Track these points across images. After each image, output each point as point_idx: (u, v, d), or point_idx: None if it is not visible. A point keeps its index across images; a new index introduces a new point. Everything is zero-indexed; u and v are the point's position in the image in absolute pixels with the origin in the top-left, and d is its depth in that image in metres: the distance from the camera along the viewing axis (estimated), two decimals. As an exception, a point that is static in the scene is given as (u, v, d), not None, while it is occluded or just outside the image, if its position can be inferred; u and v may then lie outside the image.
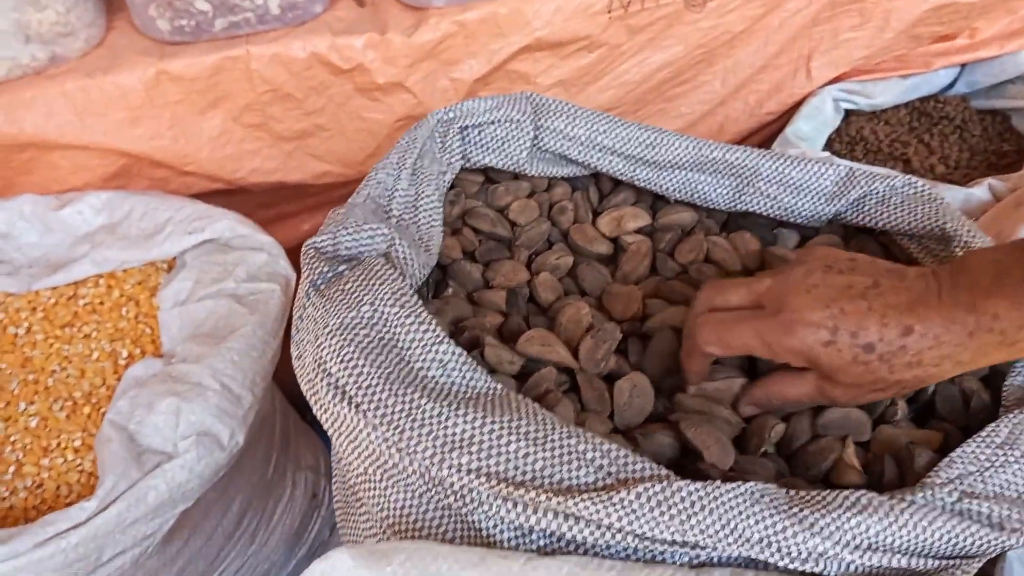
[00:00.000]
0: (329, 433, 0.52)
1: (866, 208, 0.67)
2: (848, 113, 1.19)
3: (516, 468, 0.45)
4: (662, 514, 0.43)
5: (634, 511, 0.43)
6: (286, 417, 1.01)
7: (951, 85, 1.24)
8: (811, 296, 0.48)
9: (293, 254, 0.81)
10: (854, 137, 1.15)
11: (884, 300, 0.47)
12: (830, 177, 0.68)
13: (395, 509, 0.50)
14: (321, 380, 0.50)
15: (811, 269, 0.50)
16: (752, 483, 0.45)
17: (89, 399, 0.81)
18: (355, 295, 0.52)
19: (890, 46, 1.12)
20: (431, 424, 0.47)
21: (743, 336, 0.50)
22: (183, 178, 0.94)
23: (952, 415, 0.56)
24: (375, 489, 0.51)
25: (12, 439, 0.77)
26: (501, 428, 0.46)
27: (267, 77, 0.87)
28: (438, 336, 0.50)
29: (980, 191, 0.93)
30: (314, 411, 0.52)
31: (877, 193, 0.67)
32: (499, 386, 0.50)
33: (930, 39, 1.15)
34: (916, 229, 0.64)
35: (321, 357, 0.50)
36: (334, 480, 0.66)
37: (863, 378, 0.47)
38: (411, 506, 0.49)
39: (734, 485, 0.45)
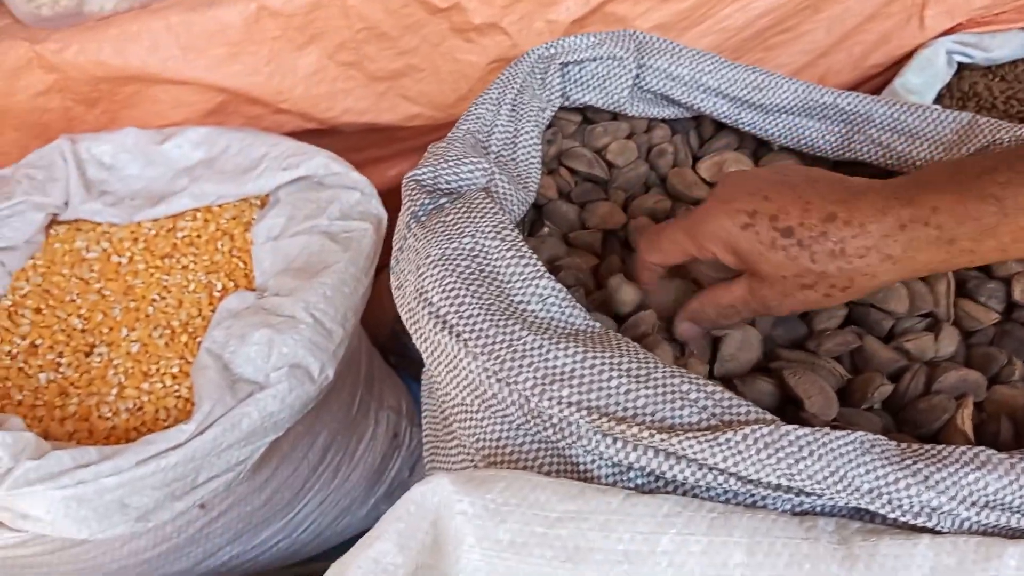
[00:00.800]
0: (428, 361, 0.52)
1: (990, 159, 0.63)
2: (961, 67, 1.12)
3: (617, 404, 0.45)
4: (769, 456, 0.42)
5: (740, 452, 0.42)
6: (371, 357, 1.03)
7: (1079, 39, 1.15)
8: (738, 186, 0.46)
9: (382, 197, 0.81)
10: (967, 93, 1.09)
11: (815, 190, 0.44)
12: (950, 125, 0.64)
13: (491, 440, 0.50)
14: (423, 309, 0.50)
15: (757, 171, 0.49)
16: (863, 432, 0.43)
17: (186, 328, 0.83)
18: (456, 227, 0.52)
19: (1014, -6, 1.05)
20: (532, 356, 0.46)
21: (673, 236, 0.49)
22: (276, 116, 0.95)
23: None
24: (471, 420, 0.51)
25: (115, 363, 0.80)
26: (603, 363, 0.46)
27: (364, 14, 0.87)
28: (539, 271, 0.50)
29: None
30: (414, 340, 0.53)
31: (1002, 144, 0.63)
32: (598, 324, 0.49)
33: (1060, -13, 1.07)
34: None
35: (423, 287, 0.50)
36: (423, 412, 0.66)
37: (785, 268, 0.44)
38: (507, 438, 0.49)
39: (844, 433, 0.43)
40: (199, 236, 0.89)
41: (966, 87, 1.09)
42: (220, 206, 0.90)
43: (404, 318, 0.53)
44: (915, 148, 0.65)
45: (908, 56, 1.07)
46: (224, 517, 0.84)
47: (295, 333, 0.75)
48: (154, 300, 0.84)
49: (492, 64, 0.94)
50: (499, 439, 0.50)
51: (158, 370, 0.80)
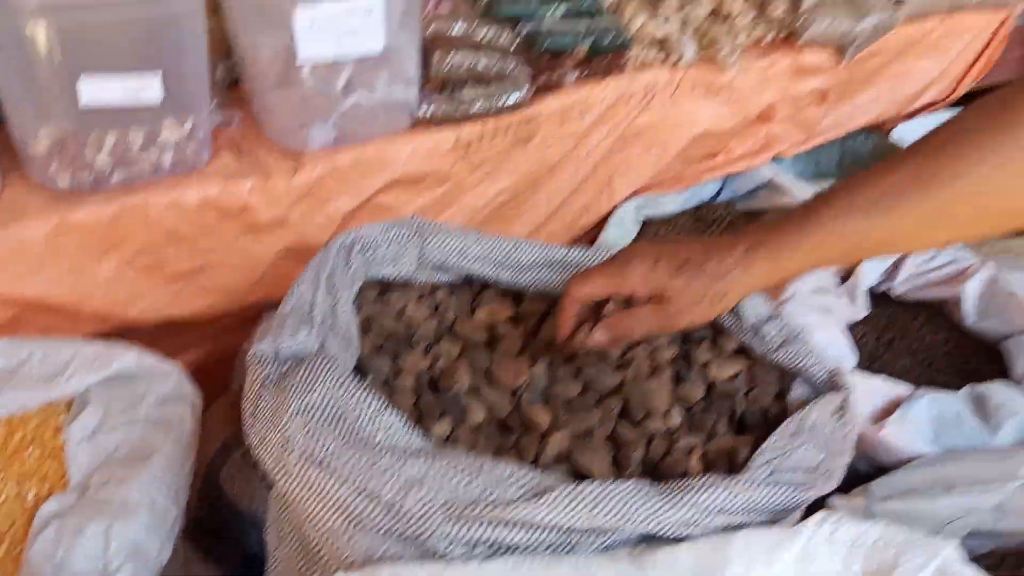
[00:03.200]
0: (297, 499, 0.62)
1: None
2: (645, 222, 1.46)
3: (461, 494, 0.59)
4: (575, 508, 0.59)
5: (554, 507, 0.58)
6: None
7: (718, 194, 1.56)
8: (646, 246, 0.72)
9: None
10: (652, 240, 1.42)
11: (698, 241, 0.71)
12: (646, 264, 0.90)
13: (361, 552, 0.61)
14: (289, 454, 0.61)
15: (654, 239, 0.75)
16: (634, 480, 0.62)
17: (1, 542, 0.83)
18: (307, 384, 0.64)
19: (670, 166, 1.42)
20: (390, 471, 0.59)
21: (599, 278, 0.72)
22: (75, 323, 1.00)
23: (758, 425, 0.77)
24: (341, 539, 0.62)
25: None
26: (445, 468, 0.60)
27: (163, 222, 0.97)
28: (381, 407, 0.64)
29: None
30: (280, 485, 0.63)
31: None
32: (430, 442, 0.64)
33: (699, 158, 1.46)
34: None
35: (287, 436, 0.62)
36: (273, 565, 0.75)
37: (683, 289, 0.68)
38: (376, 546, 0.61)
39: (623, 482, 0.61)
40: (5, 447, 0.89)
41: (651, 236, 1.42)
42: (24, 414, 0.92)
43: (269, 468, 0.64)
44: (626, 283, 0.89)
45: (606, 217, 1.38)
46: None
47: (132, 518, 0.80)
48: (-39, 517, 0.83)
49: (280, 253, 1.08)
50: (367, 549, 0.61)
51: (-26, 590, 0.79)
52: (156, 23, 0.88)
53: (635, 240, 1.41)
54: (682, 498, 0.61)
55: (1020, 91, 0.63)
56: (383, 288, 0.88)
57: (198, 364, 1.13)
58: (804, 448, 0.69)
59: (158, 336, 1.07)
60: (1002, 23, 1.67)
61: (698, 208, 1.53)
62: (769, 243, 0.68)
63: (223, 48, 1.08)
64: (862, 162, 1.81)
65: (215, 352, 1.18)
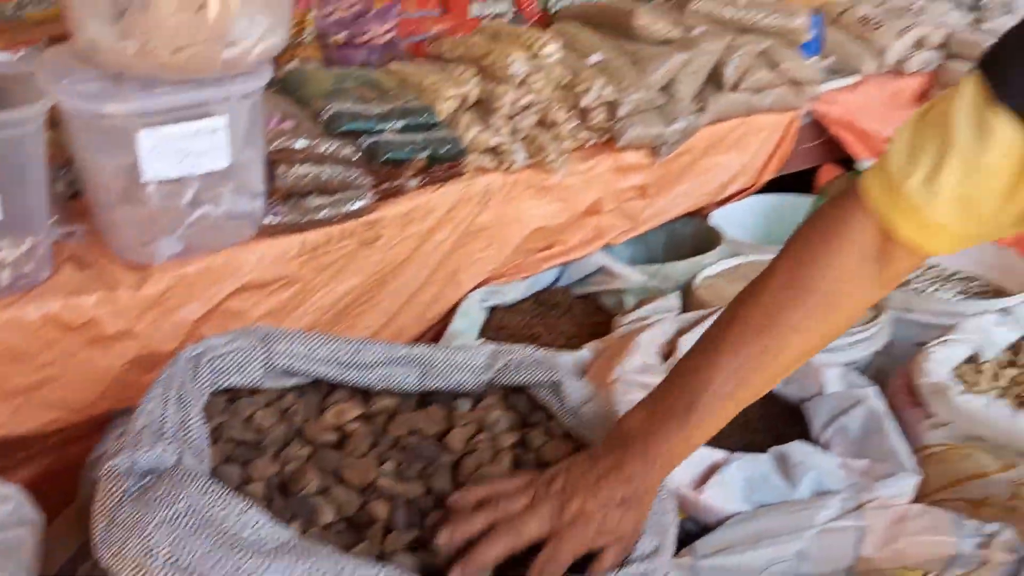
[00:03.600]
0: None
1: (509, 373, 0.98)
2: (491, 309, 1.55)
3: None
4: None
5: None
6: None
7: (557, 280, 1.68)
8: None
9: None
10: (498, 326, 1.52)
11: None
12: (482, 355, 0.98)
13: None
14: (152, 563, 0.64)
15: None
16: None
17: None
18: (171, 495, 0.67)
19: (510, 258, 1.53)
20: (257, 572, 0.63)
21: (497, 543, 0.73)
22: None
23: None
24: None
25: None
26: (309, 568, 0.65)
27: (1, 340, 0.97)
28: (246, 506, 0.68)
29: (584, 353, 1.32)
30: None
31: (515, 362, 0.98)
32: (295, 534, 0.68)
33: (536, 250, 1.58)
34: (541, 382, 0.96)
35: (149, 546, 0.64)
36: None
37: (573, 525, 0.74)
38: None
39: None
40: None
41: (496, 323, 1.52)
42: None
43: (125, 573, 0.66)
44: (465, 376, 0.97)
45: (455, 307, 1.47)
46: None
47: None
48: None
49: (126, 364, 1.08)
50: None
51: None
52: (-5, 148, 0.90)
53: (483, 326, 1.50)
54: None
55: (801, 266, 0.76)
56: (232, 396, 0.91)
57: (40, 477, 1.10)
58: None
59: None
60: (791, 122, 1.93)
61: (539, 294, 1.65)
62: (633, 463, 0.77)
63: (63, 158, 1.10)
64: (686, 244, 2.00)
65: (58, 464, 1.15)
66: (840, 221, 0.76)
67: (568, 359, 1.29)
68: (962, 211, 0.69)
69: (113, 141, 0.98)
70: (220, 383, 0.89)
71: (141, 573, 0.64)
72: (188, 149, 1.00)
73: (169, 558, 0.63)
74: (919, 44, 2.21)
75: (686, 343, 1.36)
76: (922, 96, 2.27)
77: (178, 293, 1.09)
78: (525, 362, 0.98)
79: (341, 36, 1.52)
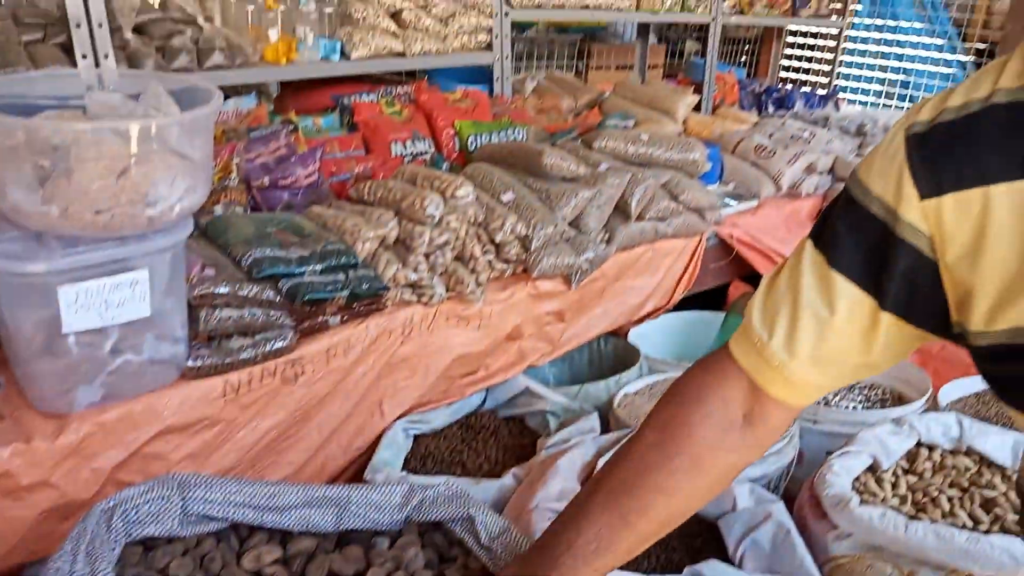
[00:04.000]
0: None
1: (425, 510, 1.01)
2: (417, 437, 1.58)
3: None
4: None
5: None
6: None
7: (483, 403, 1.73)
8: None
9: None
10: (423, 454, 1.54)
11: None
12: (398, 493, 1.01)
13: None
14: None
15: None
16: None
17: None
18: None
19: (435, 385, 1.57)
20: None
21: None
22: None
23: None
24: None
25: None
26: None
27: (-92, 499, 0.96)
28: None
29: (507, 480, 1.35)
30: None
31: (430, 498, 1.02)
32: None
33: (460, 376, 1.63)
34: (456, 517, 0.99)
35: None
36: None
37: None
38: None
39: None
40: None
41: (423, 450, 1.55)
42: None
43: None
44: (381, 515, 1.00)
45: (380, 437, 1.50)
46: None
47: None
48: None
49: (42, 514, 1.08)
50: None
51: None
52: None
53: (409, 454, 1.53)
54: None
55: (664, 432, 0.79)
56: (148, 546, 0.92)
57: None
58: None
59: None
60: (697, 245, 2.07)
61: (466, 417, 1.69)
62: None
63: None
64: (608, 361, 2.09)
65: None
66: (711, 383, 0.78)
67: (489, 487, 1.32)
68: (823, 366, 0.72)
69: (34, 297, 1.01)
70: (135, 534, 0.90)
71: None
72: (109, 301, 1.03)
73: None
74: (810, 169, 2.41)
75: (604, 464, 1.41)
76: (815, 215, 2.46)
77: (96, 441, 1.10)
78: (440, 498, 1.02)
79: (265, 180, 1.60)
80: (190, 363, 1.19)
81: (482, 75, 2.52)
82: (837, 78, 4.32)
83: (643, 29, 3.44)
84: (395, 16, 2.19)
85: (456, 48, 2.31)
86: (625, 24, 3.84)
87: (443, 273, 1.51)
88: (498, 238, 1.58)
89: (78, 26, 1.59)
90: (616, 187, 1.79)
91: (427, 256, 1.48)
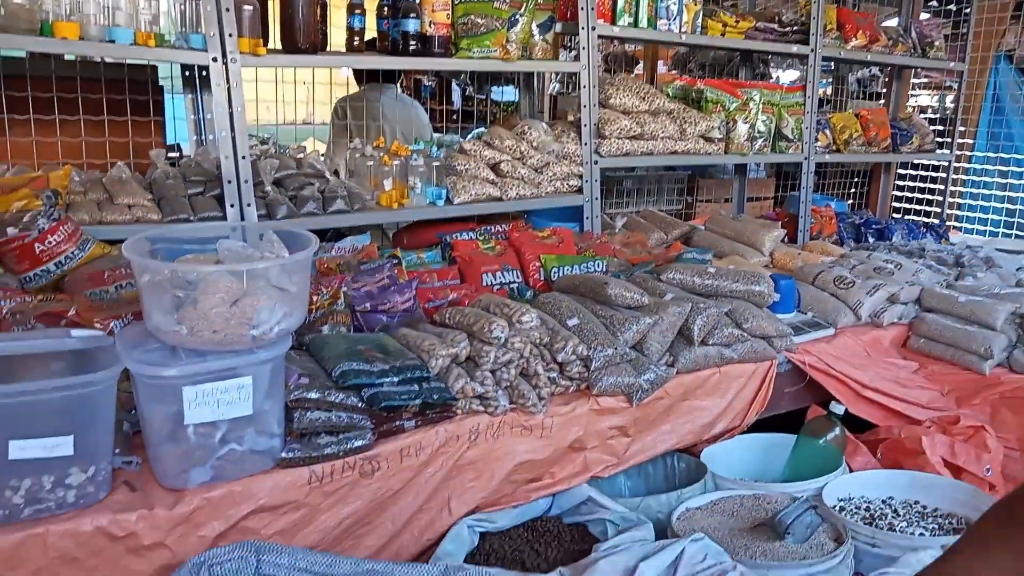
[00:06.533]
0: None
1: (454, 587, 1.18)
2: (483, 535, 1.75)
3: None
4: None
5: None
6: None
7: (549, 509, 1.87)
8: None
9: None
10: (487, 551, 1.70)
11: None
12: (435, 572, 1.19)
13: None
14: None
15: None
16: None
17: None
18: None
19: (499, 488, 1.75)
20: None
21: None
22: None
23: None
24: None
25: None
26: None
27: (58, 547, 1.24)
28: None
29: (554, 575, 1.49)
30: None
31: None
32: None
33: (525, 481, 1.80)
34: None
35: None
36: None
37: None
38: None
39: None
40: None
41: (487, 547, 1.70)
42: None
43: None
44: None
45: (447, 531, 1.68)
46: None
47: None
48: None
49: (158, 570, 1.33)
50: None
51: None
52: (75, 400, 1.23)
53: (474, 550, 1.69)
54: None
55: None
56: (226, 598, 1.14)
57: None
58: None
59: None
60: (767, 370, 2.16)
61: (533, 521, 1.84)
62: None
63: (132, 406, 1.44)
64: (681, 478, 2.17)
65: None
66: None
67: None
68: None
69: (166, 395, 1.31)
70: (218, 587, 1.13)
71: None
72: (221, 400, 1.31)
73: None
74: (892, 299, 2.46)
75: (647, 568, 1.52)
76: (901, 343, 2.49)
77: (204, 513, 1.35)
78: (470, 579, 1.19)
79: (368, 305, 1.89)
80: (283, 455, 1.44)
81: (579, 214, 2.79)
82: (951, 208, 4.29)
83: (740, 167, 3.63)
84: (494, 168, 2.51)
85: (549, 192, 2.60)
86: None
87: (507, 387, 1.72)
88: (560, 358, 1.77)
89: (229, 182, 2.00)
90: (678, 315, 1.96)
91: (493, 372, 1.69)
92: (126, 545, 1.30)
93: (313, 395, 1.46)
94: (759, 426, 2.26)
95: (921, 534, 1.82)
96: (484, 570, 1.20)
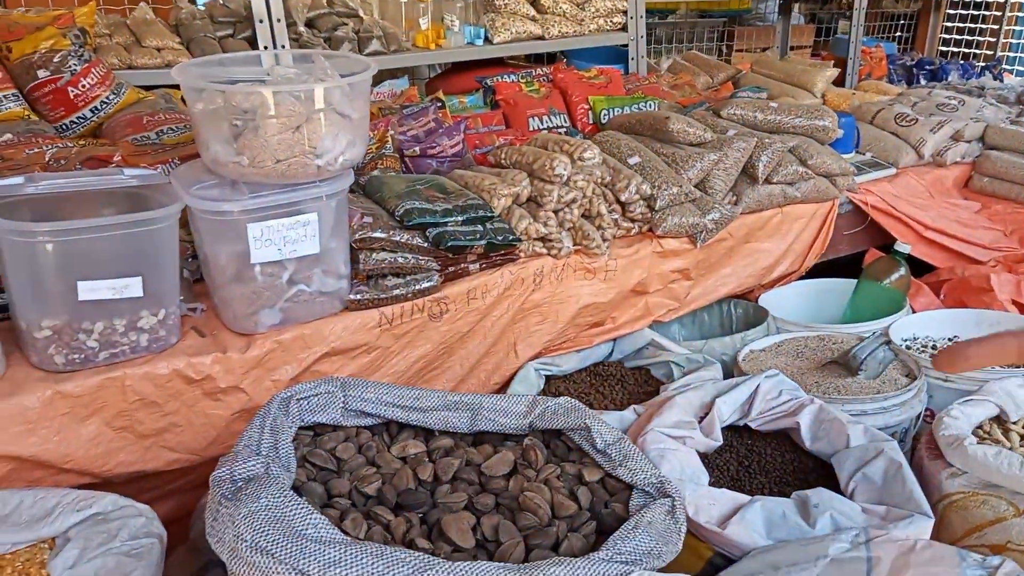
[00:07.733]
0: (245, 581, 0.83)
1: (547, 418, 1.15)
2: (548, 379, 1.73)
3: (367, 570, 0.81)
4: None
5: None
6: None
7: (610, 354, 1.85)
8: None
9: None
10: (554, 393, 1.68)
11: None
12: (523, 403, 1.16)
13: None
14: (241, 544, 0.83)
15: None
16: (500, 563, 0.84)
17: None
18: (255, 494, 0.87)
19: (563, 332, 1.71)
20: (317, 554, 0.81)
21: None
22: (58, 476, 1.20)
23: (613, 525, 0.99)
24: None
25: None
26: (357, 552, 0.82)
27: (137, 389, 1.21)
28: (311, 511, 0.86)
29: (628, 413, 1.47)
30: (234, 570, 0.84)
31: (551, 409, 1.15)
32: (348, 536, 0.86)
33: (588, 325, 1.76)
34: (574, 426, 1.12)
35: (239, 532, 0.84)
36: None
37: None
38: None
39: (490, 563, 0.83)
40: (-5, 583, 1.07)
41: (553, 391, 1.69)
42: (13, 552, 1.10)
43: (225, 558, 0.85)
44: (508, 419, 1.15)
45: (514, 375, 1.65)
46: None
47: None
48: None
49: (235, 415, 1.31)
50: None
51: None
52: (139, 239, 1.17)
53: (540, 393, 1.67)
54: (535, 572, 0.83)
55: None
56: (317, 432, 1.11)
57: (164, 517, 1.31)
58: (639, 538, 0.92)
59: (131, 488, 1.27)
60: (829, 211, 2.08)
61: (595, 365, 1.82)
62: None
63: (188, 252, 1.38)
64: (738, 324, 2.14)
65: (178, 508, 1.37)
66: None
67: (611, 417, 1.44)
68: None
69: (229, 233, 1.24)
70: (307, 419, 1.10)
71: (235, 556, 0.83)
72: (286, 238, 1.25)
73: (253, 542, 0.82)
74: (956, 136, 2.34)
75: (723, 403, 1.49)
76: (964, 183, 2.39)
77: (276, 356, 1.32)
78: (560, 409, 1.15)
79: (416, 149, 1.80)
80: (352, 297, 1.39)
81: (619, 56, 2.63)
82: (1004, 49, 4.06)
83: (785, 8, 3.41)
84: (534, 3, 2.35)
85: (592, 30, 2.44)
86: (767, 5, 3.82)
87: (571, 228, 1.65)
88: (623, 197, 1.69)
89: (260, 21, 1.86)
90: (742, 151, 1.86)
91: (556, 212, 1.62)
92: (203, 389, 1.27)
93: (379, 234, 1.40)
94: (812, 273, 2.20)
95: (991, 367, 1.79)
96: (571, 400, 1.17)
